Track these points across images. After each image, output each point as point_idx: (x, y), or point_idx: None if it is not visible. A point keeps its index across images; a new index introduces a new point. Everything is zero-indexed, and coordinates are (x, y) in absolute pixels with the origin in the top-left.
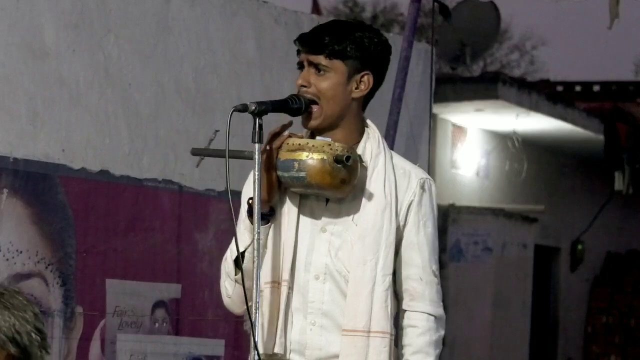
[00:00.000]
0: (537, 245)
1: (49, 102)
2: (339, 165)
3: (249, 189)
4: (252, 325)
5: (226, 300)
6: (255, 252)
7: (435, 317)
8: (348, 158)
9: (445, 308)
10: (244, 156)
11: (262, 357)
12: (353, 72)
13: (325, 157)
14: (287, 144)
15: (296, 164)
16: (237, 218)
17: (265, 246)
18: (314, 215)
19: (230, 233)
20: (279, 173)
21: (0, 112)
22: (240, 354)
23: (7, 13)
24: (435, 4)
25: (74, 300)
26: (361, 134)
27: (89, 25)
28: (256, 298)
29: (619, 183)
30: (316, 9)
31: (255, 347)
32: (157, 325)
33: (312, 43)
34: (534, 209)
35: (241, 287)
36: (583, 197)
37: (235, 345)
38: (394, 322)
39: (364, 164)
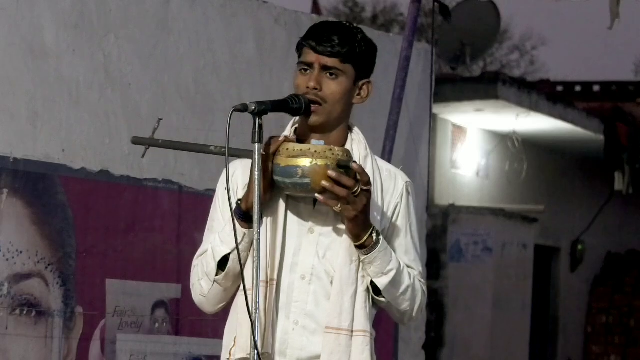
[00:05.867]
0: (537, 245)
1: (49, 102)
2: (341, 171)
3: (223, 189)
4: (252, 325)
5: (199, 299)
6: (255, 252)
7: (424, 284)
8: (348, 162)
9: (445, 308)
10: (211, 151)
11: (248, 356)
12: (358, 78)
13: (329, 163)
14: (287, 149)
15: (299, 170)
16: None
17: (248, 249)
18: (302, 217)
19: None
20: (279, 179)
21: (0, 112)
22: None
23: (7, 13)
24: (435, 4)
25: (74, 300)
26: (345, 137)
27: (89, 25)
28: (256, 298)
29: (619, 183)
30: (316, 9)
31: (256, 347)
32: (157, 325)
33: (328, 45)
34: (534, 209)
35: (219, 287)
36: (583, 197)
37: None
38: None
39: None
